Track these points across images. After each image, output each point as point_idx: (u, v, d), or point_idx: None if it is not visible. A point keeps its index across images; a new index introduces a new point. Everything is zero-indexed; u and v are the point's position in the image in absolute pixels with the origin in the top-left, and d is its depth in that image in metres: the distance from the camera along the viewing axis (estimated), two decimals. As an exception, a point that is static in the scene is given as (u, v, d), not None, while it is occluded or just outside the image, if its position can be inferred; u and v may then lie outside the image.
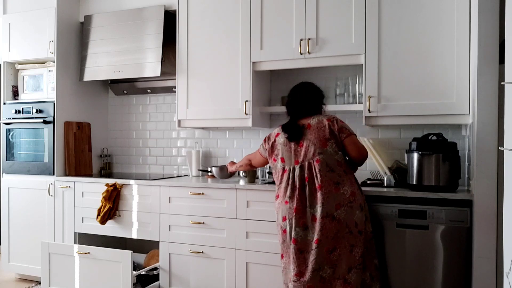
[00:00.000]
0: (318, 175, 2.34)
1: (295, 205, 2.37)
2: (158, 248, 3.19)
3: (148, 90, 3.85)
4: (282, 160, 2.45)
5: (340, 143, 2.40)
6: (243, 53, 3.17)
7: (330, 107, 3.14)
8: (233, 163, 2.99)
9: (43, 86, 3.67)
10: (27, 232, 3.64)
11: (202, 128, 3.65)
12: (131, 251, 3.00)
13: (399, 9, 2.78)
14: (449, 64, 2.67)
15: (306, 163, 2.37)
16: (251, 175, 3.08)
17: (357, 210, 2.35)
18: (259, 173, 3.25)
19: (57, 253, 3.20)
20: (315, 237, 2.32)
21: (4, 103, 3.78)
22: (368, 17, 2.84)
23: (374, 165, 3.06)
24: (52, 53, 3.56)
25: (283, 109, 3.24)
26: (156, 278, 3.24)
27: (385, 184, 2.80)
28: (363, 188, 2.70)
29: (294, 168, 2.40)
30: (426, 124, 2.83)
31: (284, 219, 2.41)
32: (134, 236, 3.25)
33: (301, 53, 3.00)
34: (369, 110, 2.83)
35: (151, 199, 3.19)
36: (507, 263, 1.55)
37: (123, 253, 3.00)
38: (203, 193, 3.02)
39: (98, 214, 3.25)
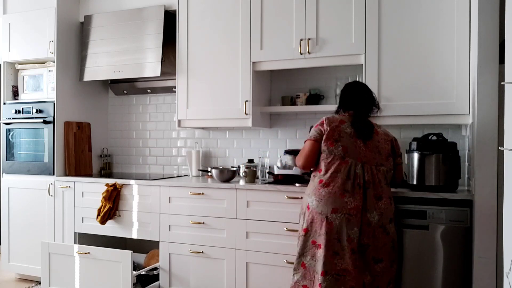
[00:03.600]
0: (381, 184, 2.33)
1: (356, 202, 2.26)
2: (158, 248, 3.19)
3: (148, 90, 3.85)
4: (344, 149, 2.30)
5: (393, 164, 2.45)
6: (243, 53, 3.17)
7: (330, 107, 3.14)
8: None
9: (43, 86, 3.67)
10: (27, 232, 3.64)
11: (202, 128, 3.65)
12: (131, 251, 3.00)
13: (399, 9, 2.78)
14: (449, 64, 2.67)
15: (370, 167, 2.32)
16: (251, 175, 3.08)
17: (394, 228, 2.39)
18: (259, 173, 3.25)
19: (57, 253, 3.20)
20: (368, 241, 2.29)
21: (4, 103, 3.78)
22: (368, 17, 2.84)
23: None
24: (52, 53, 3.56)
25: (283, 109, 3.26)
26: (156, 278, 3.24)
27: None
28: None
29: (357, 164, 2.30)
30: (426, 124, 2.83)
31: (334, 211, 2.26)
32: (134, 236, 3.25)
33: (301, 53, 3.00)
34: (369, 110, 2.82)
35: (151, 199, 3.19)
36: (507, 263, 1.55)
37: (123, 253, 3.00)
38: (203, 193, 3.02)
39: (98, 214, 3.25)
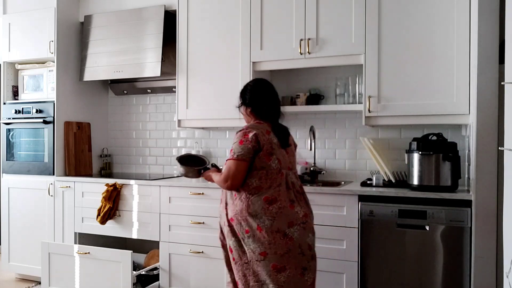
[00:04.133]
0: (302, 187, 2.30)
1: (304, 210, 2.18)
2: (158, 248, 3.19)
3: (148, 90, 3.85)
4: (279, 161, 2.18)
5: None
6: (243, 53, 3.17)
7: (330, 107, 3.15)
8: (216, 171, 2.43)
9: (43, 86, 3.67)
10: (27, 232, 3.64)
11: (202, 128, 3.65)
12: (131, 251, 3.00)
13: (399, 9, 2.78)
14: (449, 64, 2.67)
15: (294, 173, 2.26)
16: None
17: None
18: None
19: (57, 253, 3.20)
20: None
21: (4, 103, 3.78)
22: (368, 17, 2.84)
23: (374, 165, 3.06)
24: (52, 53, 3.56)
25: (283, 109, 3.21)
26: (156, 278, 3.24)
27: (374, 184, 2.80)
28: (363, 188, 2.71)
29: (289, 174, 2.21)
30: (426, 124, 2.83)
31: (291, 224, 2.12)
32: (134, 236, 3.25)
33: (301, 53, 3.00)
34: (369, 110, 2.83)
35: (151, 199, 3.19)
36: (507, 263, 1.55)
37: (123, 253, 3.00)
38: (203, 193, 3.02)
39: (98, 214, 3.25)
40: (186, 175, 2.51)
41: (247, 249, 2.13)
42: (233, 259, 2.19)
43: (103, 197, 3.24)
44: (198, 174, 2.47)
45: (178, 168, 2.45)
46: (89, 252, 3.10)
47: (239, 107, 2.37)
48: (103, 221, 3.24)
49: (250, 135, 2.15)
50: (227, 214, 2.23)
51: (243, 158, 2.13)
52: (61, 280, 3.19)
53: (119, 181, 3.27)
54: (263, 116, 2.27)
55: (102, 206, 3.25)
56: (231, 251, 2.20)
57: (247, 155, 2.13)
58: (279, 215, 2.10)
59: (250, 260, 2.13)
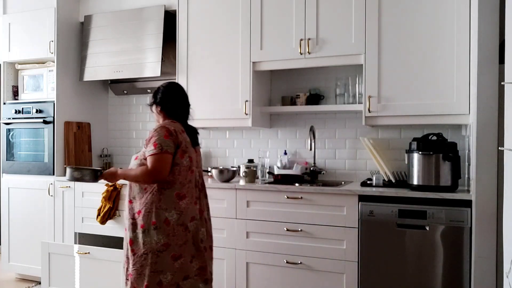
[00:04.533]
0: (204, 184, 2.49)
1: (199, 206, 2.38)
2: (158, 248, 3.19)
3: (148, 90, 3.85)
4: (191, 159, 2.33)
5: None
6: (243, 53, 3.17)
7: (330, 107, 3.15)
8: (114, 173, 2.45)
9: (43, 86, 3.67)
10: (27, 232, 3.64)
11: (202, 128, 3.65)
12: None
13: (399, 9, 2.78)
14: (449, 64, 2.67)
15: (199, 171, 2.45)
16: (251, 175, 3.08)
17: None
18: (259, 173, 3.25)
19: (57, 253, 3.20)
20: (207, 238, 2.42)
21: (4, 103, 3.78)
22: (368, 17, 2.84)
23: (374, 165, 3.06)
24: (52, 53, 3.56)
25: (283, 109, 3.26)
26: (156, 278, 3.24)
27: (374, 184, 2.81)
28: (363, 188, 2.71)
29: (196, 172, 2.39)
30: (426, 124, 2.83)
31: (192, 219, 2.30)
32: (134, 236, 3.25)
33: (301, 53, 3.00)
34: (369, 110, 2.83)
35: (151, 199, 3.18)
36: (507, 263, 1.55)
37: (123, 253, 3.00)
38: (203, 193, 3.02)
39: (98, 214, 3.25)
40: (82, 178, 2.49)
41: (149, 240, 2.24)
42: (132, 250, 2.29)
43: (103, 197, 3.24)
44: (95, 177, 2.46)
45: (70, 173, 2.47)
46: (89, 252, 3.10)
47: (150, 105, 2.46)
48: (103, 221, 3.24)
49: (171, 130, 2.26)
50: (133, 208, 2.33)
51: (170, 151, 2.24)
52: (61, 280, 3.19)
53: (119, 181, 3.26)
54: (173, 115, 2.40)
55: (102, 206, 3.25)
56: (131, 244, 2.29)
57: (171, 148, 2.25)
58: (186, 211, 2.28)
59: (150, 251, 2.24)
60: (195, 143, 2.41)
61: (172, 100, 2.42)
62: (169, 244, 2.24)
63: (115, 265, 3.01)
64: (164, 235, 2.24)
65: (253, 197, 2.89)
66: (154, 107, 2.44)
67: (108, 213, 3.23)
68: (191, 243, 2.31)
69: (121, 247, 3.50)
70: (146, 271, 2.24)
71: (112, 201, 3.23)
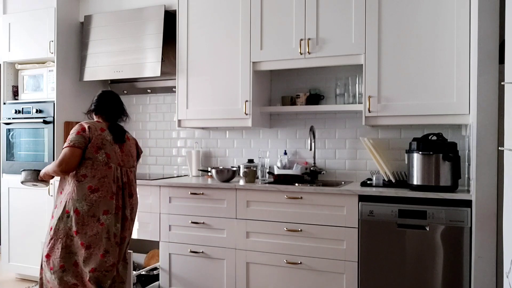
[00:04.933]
0: (132, 183, 2.71)
1: (117, 202, 2.59)
2: (158, 248, 3.19)
3: (148, 90, 3.86)
4: (108, 156, 2.57)
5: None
6: (243, 53, 3.17)
7: (330, 107, 3.15)
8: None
9: (43, 86, 3.67)
10: (27, 232, 3.64)
11: (202, 128, 3.65)
12: (131, 251, 3.00)
13: (399, 9, 2.78)
14: (449, 64, 2.67)
15: (126, 170, 2.66)
16: (251, 175, 3.08)
17: None
18: (259, 173, 3.25)
19: (57, 253, 3.20)
20: (125, 234, 2.64)
21: (4, 103, 3.78)
22: (368, 17, 2.84)
23: (374, 165, 3.07)
24: (52, 53, 3.56)
25: (283, 109, 3.26)
26: (156, 278, 3.24)
27: (374, 184, 2.81)
28: (363, 188, 2.71)
29: (117, 169, 2.60)
30: (426, 124, 2.83)
31: (106, 212, 2.53)
32: (134, 236, 3.25)
33: (301, 53, 3.00)
34: (369, 110, 2.83)
35: (151, 199, 3.19)
36: (507, 263, 1.55)
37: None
38: (203, 193, 3.02)
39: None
40: (29, 180, 2.80)
41: (63, 226, 2.52)
42: (51, 235, 2.55)
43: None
44: (37, 176, 2.78)
45: (22, 176, 2.81)
46: (89, 252, 3.09)
47: (86, 113, 2.79)
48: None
49: (85, 127, 2.56)
50: (59, 198, 2.62)
51: (78, 145, 2.51)
52: (61, 280, 3.19)
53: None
54: (101, 115, 2.72)
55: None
56: (51, 229, 2.56)
57: (81, 143, 2.52)
58: (97, 203, 2.51)
59: (65, 235, 2.51)
60: (118, 140, 2.64)
61: (99, 104, 2.73)
62: (79, 232, 2.50)
63: (115, 265, 3.00)
64: (75, 223, 2.49)
65: (253, 197, 2.89)
66: (88, 113, 2.79)
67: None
68: (104, 236, 2.52)
69: (121, 247, 3.51)
70: (57, 252, 2.52)
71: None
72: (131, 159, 2.73)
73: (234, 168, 3.21)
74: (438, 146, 2.57)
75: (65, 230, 2.51)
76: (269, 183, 3.03)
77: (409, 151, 2.67)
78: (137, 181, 3.23)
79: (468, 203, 2.43)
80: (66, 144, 2.54)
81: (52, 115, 3.55)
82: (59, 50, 3.59)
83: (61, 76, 3.60)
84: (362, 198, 2.64)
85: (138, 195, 2.85)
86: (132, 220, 2.73)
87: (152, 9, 3.44)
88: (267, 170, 3.26)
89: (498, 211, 2.25)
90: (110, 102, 2.75)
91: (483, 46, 2.28)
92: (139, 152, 2.88)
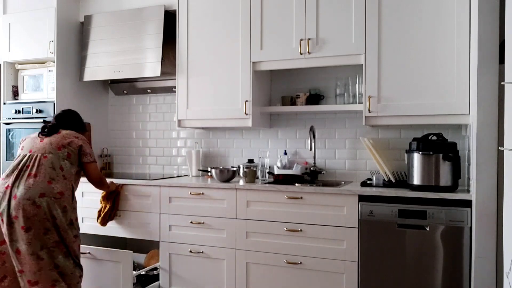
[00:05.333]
0: (43, 167, 2.66)
1: (9, 182, 2.61)
2: (158, 248, 3.19)
3: (148, 90, 3.86)
4: (22, 148, 2.79)
5: (79, 161, 2.82)
6: (243, 53, 3.17)
7: (330, 107, 3.15)
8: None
9: (43, 86, 3.67)
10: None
11: (202, 128, 3.65)
12: (131, 251, 3.01)
13: (399, 9, 2.78)
14: (449, 64, 2.67)
15: (37, 155, 2.69)
16: (251, 175, 3.08)
17: (59, 208, 2.60)
18: (259, 173, 3.26)
19: (57, 253, 3.20)
20: (14, 214, 2.54)
21: (4, 103, 3.77)
22: (368, 17, 2.84)
23: (374, 165, 3.07)
24: (52, 53, 3.56)
25: (283, 109, 3.26)
26: (156, 278, 3.24)
27: (374, 184, 2.81)
28: (363, 188, 2.71)
29: (26, 155, 2.71)
30: (426, 124, 2.83)
31: None
32: (134, 236, 3.25)
33: (301, 53, 3.00)
34: (369, 110, 2.83)
35: (151, 199, 3.19)
36: (507, 263, 1.55)
37: (123, 253, 3.00)
38: (203, 193, 3.02)
39: (99, 216, 3.24)
40: None
41: None
42: None
43: (102, 198, 3.24)
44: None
45: None
46: (89, 252, 3.10)
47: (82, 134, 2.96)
48: (104, 223, 3.22)
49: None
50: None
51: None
52: (61, 280, 3.19)
53: (119, 181, 3.27)
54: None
55: (102, 207, 3.24)
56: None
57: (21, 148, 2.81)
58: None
59: None
60: (43, 134, 2.79)
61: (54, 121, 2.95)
62: None
63: (115, 265, 3.01)
64: None
65: (253, 197, 2.89)
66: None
67: (109, 214, 3.22)
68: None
69: (121, 247, 3.51)
70: None
71: (112, 201, 3.23)
72: (48, 146, 2.73)
73: (234, 168, 3.21)
74: (438, 146, 2.57)
75: None
76: (269, 183, 3.03)
77: (409, 151, 2.67)
78: (137, 181, 3.24)
79: (468, 203, 2.43)
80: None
81: (52, 115, 3.54)
82: (59, 50, 3.59)
83: (61, 76, 3.60)
84: (362, 198, 2.64)
85: (51, 181, 2.67)
86: (31, 200, 2.56)
87: (152, 9, 3.44)
88: (267, 170, 3.26)
89: (498, 211, 2.25)
90: (62, 115, 3.00)
91: (483, 46, 2.28)
92: (81, 151, 2.83)
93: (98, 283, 3.07)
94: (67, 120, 2.96)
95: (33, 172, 2.62)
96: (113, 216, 3.26)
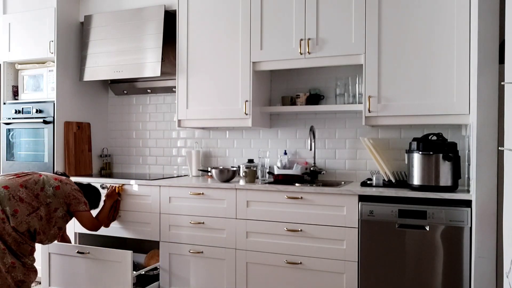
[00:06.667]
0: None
1: None
2: (158, 248, 3.19)
3: (148, 90, 3.85)
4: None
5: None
6: (243, 53, 3.17)
7: (330, 107, 3.15)
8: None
9: (43, 86, 3.67)
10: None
11: (202, 128, 3.65)
12: (131, 251, 3.00)
13: (399, 9, 2.78)
14: (449, 64, 2.67)
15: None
16: (251, 175, 3.08)
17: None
18: (259, 173, 3.25)
19: (57, 253, 3.20)
20: None
21: (4, 103, 3.77)
22: (368, 17, 2.84)
23: (374, 165, 3.07)
24: (52, 53, 3.56)
25: (283, 109, 3.26)
26: (156, 278, 3.24)
27: (374, 184, 2.81)
28: (363, 188, 2.71)
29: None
30: (426, 124, 2.83)
31: None
32: (134, 236, 3.25)
33: (301, 53, 3.00)
34: (369, 110, 2.83)
35: (151, 199, 3.19)
36: (507, 263, 1.55)
37: (123, 253, 3.00)
38: (203, 193, 3.02)
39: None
40: None
41: None
42: None
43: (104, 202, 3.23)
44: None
45: None
46: (89, 252, 3.10)
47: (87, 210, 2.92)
48: (106, 224, 3.22)
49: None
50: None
51: None
52: (61, 280, 3.19)
53: (119, 181, 3.27)
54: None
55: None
56: None
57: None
58: None
59: None
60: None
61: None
62: None
63: (115, 265, 3.01)
64: None
65: (253, 197, 2.89)
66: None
67: (112, 215, 3.22)
68: None
69: (121, 247, 3.51)
70: None
71: (114, 202, 3.23)
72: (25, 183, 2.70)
73: (234, 168, 3.21)
74: (438, 146, 2.57)
75: None
76: (269, 183, 3.03)
77: (409, 151, 2.67)
78: (137, 181, 3.24)
79: (468, 203, 2.43)
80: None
81: (52, 115, 3.55)
82: (59, 50, 3.59)
83: (61, 76, 3.60)
84: (362, 198, 2.64)
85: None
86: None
87: (152, 9, 3.44)
88: (267, 170, 3.26)
89: (498, 211, 2.25)
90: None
91: (483, 46, 2.28)
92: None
93: (98, 283, 3.07)
94: None
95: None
96: (116, 217, 3.26)
